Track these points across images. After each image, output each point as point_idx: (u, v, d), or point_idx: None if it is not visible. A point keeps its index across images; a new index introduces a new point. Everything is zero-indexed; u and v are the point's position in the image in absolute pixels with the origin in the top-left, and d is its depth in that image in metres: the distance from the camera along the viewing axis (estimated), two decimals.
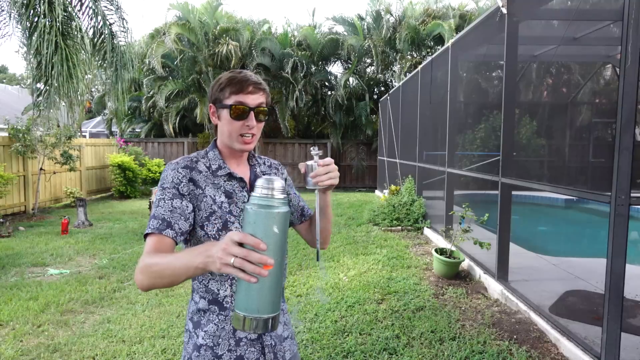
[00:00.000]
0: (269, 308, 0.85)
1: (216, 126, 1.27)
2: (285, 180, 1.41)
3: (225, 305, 1.22)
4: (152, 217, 1.15)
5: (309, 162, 1.14)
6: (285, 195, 0.90)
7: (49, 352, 3.10)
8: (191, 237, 1.23)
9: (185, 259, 0.96)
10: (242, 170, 1.31)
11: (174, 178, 1.18)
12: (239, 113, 1.19)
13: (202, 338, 1.21)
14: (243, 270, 0.82)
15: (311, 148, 1.16)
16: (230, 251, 0.83)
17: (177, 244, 1.16)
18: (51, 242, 6.45)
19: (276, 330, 0.94)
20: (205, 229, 1.19)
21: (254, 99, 1.21)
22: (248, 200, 0.90)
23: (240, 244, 0.84)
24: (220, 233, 1.19)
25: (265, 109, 1.24)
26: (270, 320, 0.86)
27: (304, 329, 3.42)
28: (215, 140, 1.31)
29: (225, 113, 1.21)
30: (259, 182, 0.89)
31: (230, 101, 1.20)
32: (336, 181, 1.17)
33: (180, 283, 1.04)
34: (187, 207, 1.18)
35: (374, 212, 7.90)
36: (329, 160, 1.16)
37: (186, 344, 1.26)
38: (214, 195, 1.21)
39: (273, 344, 1.27)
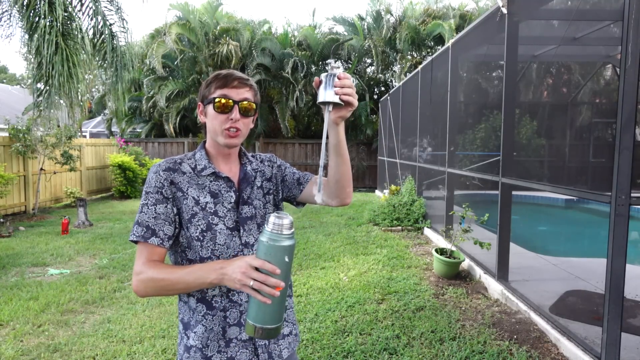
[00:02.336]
0: (276, 320, 1.02)
1: (204, 125, 1.27)
2: (280, 166, 1.39)
3: (214, 304, 1.20)
4: (136, 224, 1.16)
5: (324, 74, 1.06)
6: (293, 230, 1.01)
7: (49, 352, 3.10)
8: (176, 239, 1.21)
9: (198, 275, 1.06)
10: (231, 170, 1.29)
11: (156, 182, 1.18)
12: (223, 106, 1.19)
13: (192, 339, 1.20)
14: (257, 292, 0.96)
15: (329, 60, 1.07)
16: (250, 275, 0.97)
17: (166, 249, 1.17)
18: (51, 242, 6.45)
19: (279, 334, 1.04)
20: (188, 231, 1.18)
21: (239, 93, 1.20)
22: (262, 233, 1.01)
23: (256, 269, 0.97)
24: (204, 234, 1.18)
25: (251, 104, 1.23)
26: (277, 328, 1.03)
27: (304, 329, 3.42)
28: (204, 142, 1.30)
29: (210, 108, 1.21)
30: (271, 219, 0.99)
31: (214, 95, 1.20)
32: (354, 100, 1.06)
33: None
34: (172, 210, 1.18)
35: (374, 212, 7.91)
36: (348, 75, 1.06)
37: (178, 345, 1.26)
38: (198, 197, 1.20)
39: (267, 344, 1.25)
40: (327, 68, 1.07)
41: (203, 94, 1.24)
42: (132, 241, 1.17)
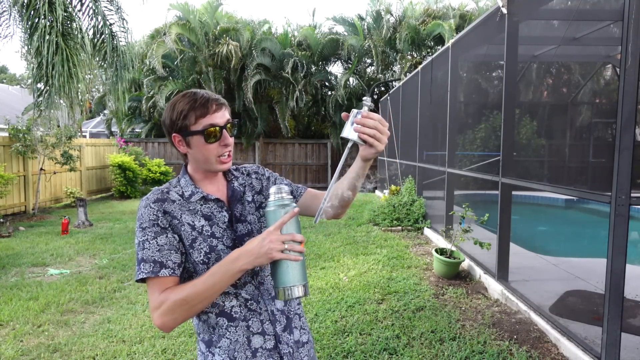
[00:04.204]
0: (305, 276, 1.08)
1: (184, 154, 1.22)
2: (269, 178, 1.36)
3: (234, 315, 1.18)
4: (142, 261, 1.11)
5: (356, 110, 1.04)
6: (292, 197, 1.11)
7: (49, 352, 3.10)
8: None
9: (222, 272, 1.07)
10: (218, 189, 1.26)
11: (149, 215, 1.14)
12: (213, 135, 1.15)
13: (218, 355, 1.18)
14: (289, 255, 1.03)
15: (364, 98, 1.05)
16: (281, 239, 1.03)
17: (178, 277, 1.13)
18: (51, 242, 6.45)
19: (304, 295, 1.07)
20: (192, 256, 1.16)
21: (221, 117, 1.16)
22: (265, 205, 1.11)
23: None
24: (209, 257, 1.15)
25: (233, 122, 1.21)
26: (307, 285, 1.09)
27: None
28: (186, 166, 1.26)
29: (197, 139, 1.15)
30: (272, 190, 1.10)
31: (199, 126, 1.14)
32: (377, 142, 1.03)
33: None
34: (174, 238, 1.14)
35: (374, 212, 7.91)
36: (375, 115, 1.03)
37: None
38: (193, 222, 1.17)
39: (291, 352, 1.23)
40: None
41: (180, 125, 1.15)
42: (139, 280, 1.11)
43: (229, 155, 1.20)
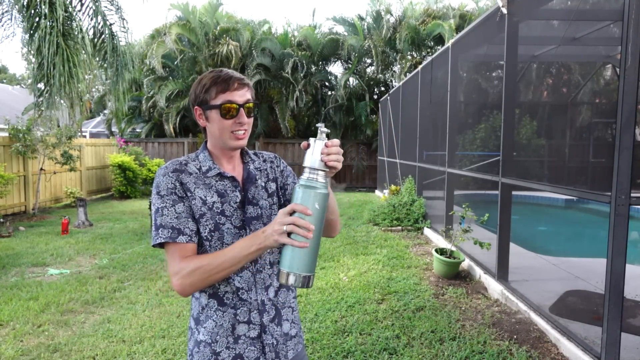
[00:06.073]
0: (309, 268, 1.05)
1: (204, 128, 1.26)
2: (282, 172, 1.38)
3: (225, 301, 1.21)
4: (161, 227, 1.15)
5: (313, 140, 1.10)
6: (326, 181, 1.08)
7: (49, 352, 3.11)
8: None
9: (241, 247, 1.09)
10: (234, 169, 1.29)
11: (167, 184, 1.18)
12: (230, 111, 1.19)
13: (202, 334, 1.22)
14: (294, 240, 1.00)
15: (318, 124, 1.10)
16: (283, 221, 1.01)
17: (195, 244, 1.18)
18: (51, 242, 6.45)
19: (310, 286, 1.06)
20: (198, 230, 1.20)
21: (241, 95, 1.20)
22: (298, 180, 1.09)
23: (291, 214, 1.02)
24: (212, 234, 1.19)
25: (253, 104, 1.24)
26: (309, 278, 1.05)
27: (304, 329, 3.42)
28: (206, 142, 1.30)
29: (214, 114, 1.20)
30: (306, 168, 1.07)
31: (218, 101, 1.18)
32: (339, 165, 1.11)
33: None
34: (190, 207, 1.19)
35: (374, 212, 7.91)
36: (336, 141, 1.11)
37: (188, 342, 1.28)
38: (205, 197, 1.20)
39: (275, 343, 1.25)
40: (318, 127, 1.10)
41: (202, 98, 1.21)
42: (157, 245, 1.15)
43: (244, 133, 1.23)
